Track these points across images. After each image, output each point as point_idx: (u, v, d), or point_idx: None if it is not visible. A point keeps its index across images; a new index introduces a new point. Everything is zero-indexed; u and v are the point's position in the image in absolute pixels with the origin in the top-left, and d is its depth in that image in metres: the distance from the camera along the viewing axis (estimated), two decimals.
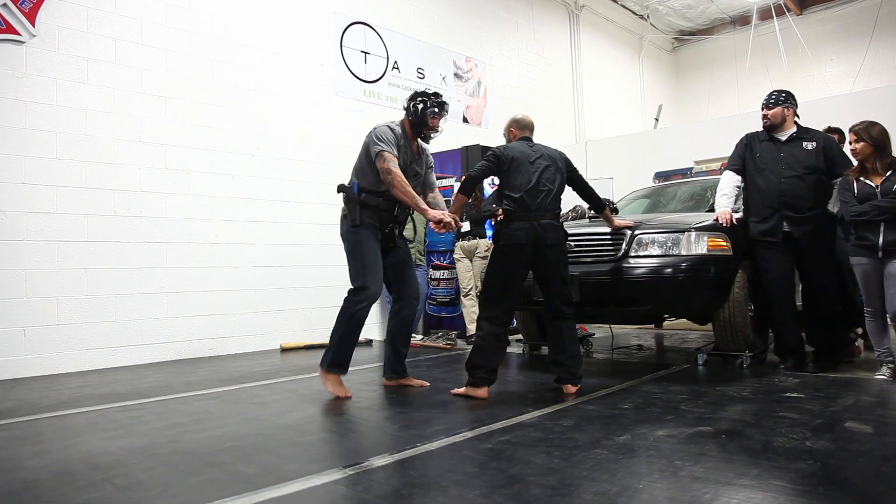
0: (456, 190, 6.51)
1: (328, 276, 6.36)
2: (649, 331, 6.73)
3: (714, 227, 4.00)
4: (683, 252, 3.90)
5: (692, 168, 7.56)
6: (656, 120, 10.99)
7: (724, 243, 3.95)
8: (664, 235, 3.98)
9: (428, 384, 3.84)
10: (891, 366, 3.68)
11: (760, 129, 4.18)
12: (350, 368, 3.64)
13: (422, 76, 7.91)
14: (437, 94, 3.71)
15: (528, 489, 1.99)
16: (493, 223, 3.88)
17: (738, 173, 4.19)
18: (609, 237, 4.09)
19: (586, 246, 4.16)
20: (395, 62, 7.59)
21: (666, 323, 6.43)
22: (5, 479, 2.28)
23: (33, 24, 4.77)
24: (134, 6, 5.33)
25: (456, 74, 8.47)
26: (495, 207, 3.72)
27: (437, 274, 6.61)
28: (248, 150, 6.04)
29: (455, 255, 6.12)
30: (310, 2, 6.71)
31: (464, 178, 3.66)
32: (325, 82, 6.79)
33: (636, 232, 4.04)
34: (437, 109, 3.65)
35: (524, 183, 3.46)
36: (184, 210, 5.55)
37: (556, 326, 3.58)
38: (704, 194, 5.15)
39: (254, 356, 5.55)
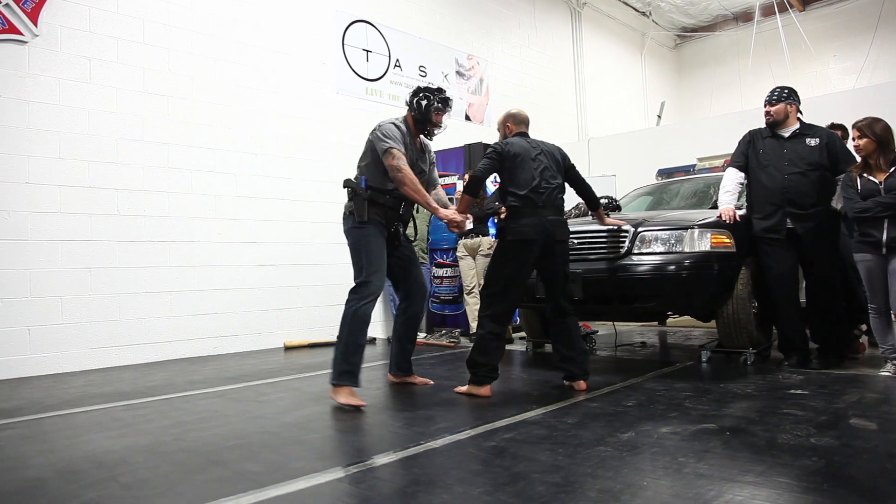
0: (459, 188, 6.55)
1: (331, 274, 6.37)
2: (653, 328, 6.73)
3: (717, 224, 3.99)
4: (687, 249, 3.90)
5: (695, 165, 7.55)
6: (659, 117, 10.98)
7: (728, 240, 3.95)
8: (667, 232, 3.98)
9: (432, 382, 3.85)
10: (895, 362, 3.67)
11: (763, 125, 4.17)
12: None
13: (424, 74, 7.90)
14: (440, 90, 3.63)
15: (532, 486, 1.99)
16: (495, 220, 3.88)
17: (741, 170, 4.18)
18: (612, 234, 4.09)
19: (589, 243, 4.15)
20: (397, 60, 7.58)
21: (669, 320, 6.42)
22: (11, 478, 2.29)
23: (36, 24, 4.77)
24: (136, 5, 5.34)
25: (458, 72, 8.46)
26: (498, 205, 3.71)
27: (440, 272, 6.61)
28: (251, 149, 6.05)
29: (458, 253, 6.12)
30: (311, 0, 6.71)
31: (468, 178, 3.62)
32: (327, 81, 6.79)
33: (639, 229, 4.04)
34: (441, 105, 3.57)
35: (529, 179, 3.44)
36: (187, 209, 5.56)
37: (562, 323, 3.57)
38: (707, 191, 5.14)
39: (258, 354, 5.56)
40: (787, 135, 4.05)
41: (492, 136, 7.80)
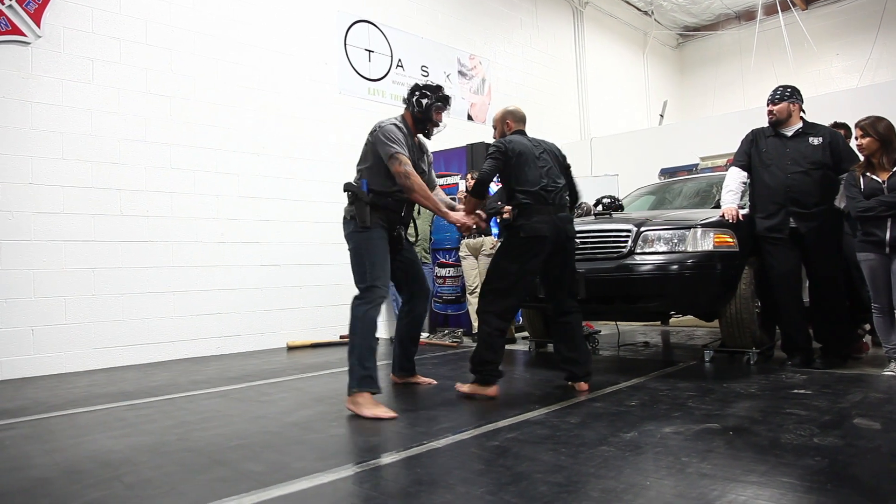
0: (461, 188, 6.54)
1: (334, 274, 6.36)
2: (656, 328, 6.72)
3: (720, 224, 3.99)
4: (689, 249, 3.89)
5: (697, 164, 7.52)
6: (661, 116, 10.97)
7: (731, 240, 3.94)
8: (670, 232, 3.97)
9: (435, 382, 3.84)
10: None
11: (766, 124, 4.17)
12: None
13: (426, 74, 7.90)
14: (439, 87, 3.54)
15: (535, 486, 1.99)
16: (498, 220, 3.86)
17: (743, 169, 4.17)
18: (615, 234, 4.08)
19: (592, 243, 4.15)
20: (399, 60, 7.59)
21: (672, 320, 6.41)
22: (16, 478, 2.29)
23: (38, 25, 4.79)
24: (138, 6, 5.35)
25: (460, 72, 8.46)
26: (500, 205, 3.70)
27: (443, 272, 6.61)
28: (253, 149, 6.05)
29: (461, 253, 6.12)
30: (313, 0, 6.72)
31: (473, 181, 3.60)
32: (330, 81, 6.80)
33: (642, 229, 4.03)
34: (441, 104, 3.50)
35: (536, 178, 3.41)
36: (189, 209, 5.56)
37: (566, 322, 3.55)
38: (710, 191, 5.13)
39: (260, 354, 5.56)
40: (789, 134, 4.04)
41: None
